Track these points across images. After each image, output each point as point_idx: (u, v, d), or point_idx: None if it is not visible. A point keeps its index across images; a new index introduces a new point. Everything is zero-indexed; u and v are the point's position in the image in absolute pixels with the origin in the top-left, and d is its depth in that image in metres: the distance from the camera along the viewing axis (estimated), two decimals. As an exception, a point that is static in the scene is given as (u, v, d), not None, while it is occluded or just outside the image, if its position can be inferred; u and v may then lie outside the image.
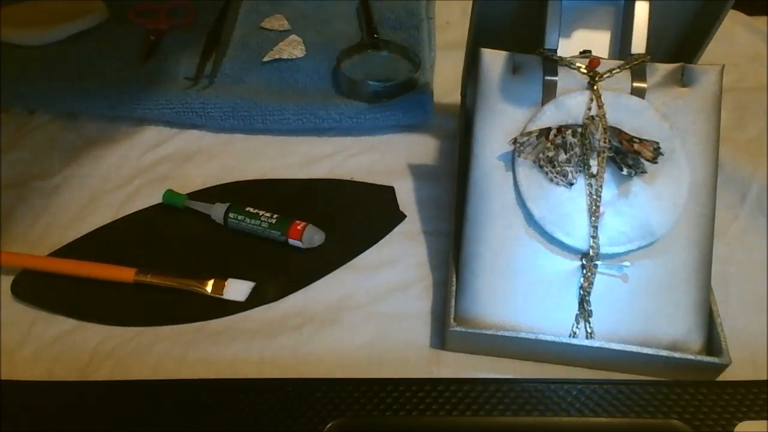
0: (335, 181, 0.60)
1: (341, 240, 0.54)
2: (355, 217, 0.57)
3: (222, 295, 0.50)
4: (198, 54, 0.70)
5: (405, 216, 0.57)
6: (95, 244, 0.55)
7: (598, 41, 0.50)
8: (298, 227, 0.52)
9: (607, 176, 0.45)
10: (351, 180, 0.60)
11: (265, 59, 0.70)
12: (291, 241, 0.53)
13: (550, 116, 0.46)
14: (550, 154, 0.45)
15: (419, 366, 0.47)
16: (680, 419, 0.41)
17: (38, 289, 0.51)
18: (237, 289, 0.50)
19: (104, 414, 0.42)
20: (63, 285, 0.51)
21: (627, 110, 0.46)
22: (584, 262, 0.45)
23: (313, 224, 0.53)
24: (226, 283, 0.50)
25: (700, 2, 0.50)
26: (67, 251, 0.54)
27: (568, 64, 0.47)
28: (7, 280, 0.51)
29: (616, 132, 0.45)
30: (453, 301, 0.47)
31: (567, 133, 0.45)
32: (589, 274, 0.45)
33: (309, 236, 0.53)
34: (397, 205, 0.58)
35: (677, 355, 0.43)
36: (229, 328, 0.49)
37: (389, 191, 0.59)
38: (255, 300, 0.50)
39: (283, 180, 0.60)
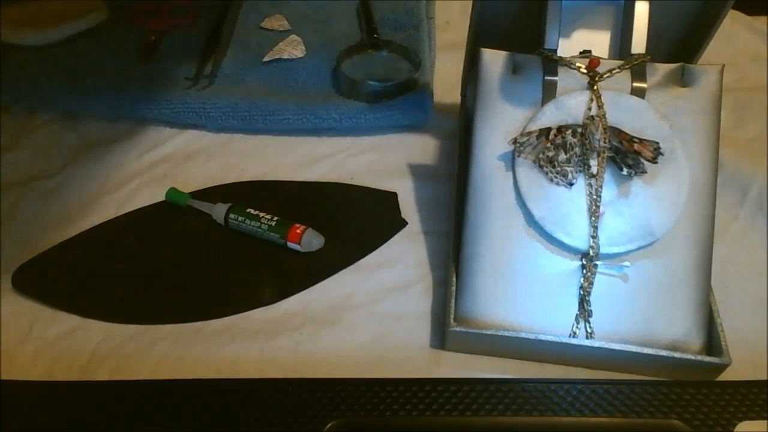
0: (338, 185, 0.60)
1: (341, 244, 0.54)
2: (356, 221, 0.57)
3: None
4: (198, 54, 0.70)
5: (406, 223, 0.56)
6: (97, 239, 0.55)
7: (598, 41, 0.50)
8: (297, 231, 0.52)
9: (607, 176, 0.45)
10: (354, 185, 0.60)
11: (265, 59, 0.70)
12: (290, 245, 0.53)
13: (550, 116, 0.46)
14: (550, 154, 0.45)
15: (419, 366, 0.47)
16: (680, 419, 0.41)
17: (40, 282, 0.51)
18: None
19: (104, 414, 0.42)
20: (65, 279, 0.52)
21: (627, 110, 0.46)
22: (584, 262, 0.45)
23: (314, 227, 0.53)
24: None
25: (700, 2, 0.50)
26: (69, 246, 0.54)
27: (568, 64, 0.47)
28: (7, 280, 0.51)
29: (616, 132, 0.45)
30: (453, 301, 0.47)
31: (567, 133, 0.45)
32: (589, 274, 0.45)
33: (308, 240, 0.53)
34: (399, 212, 0.57)
35: (677, 355, 0.43)
36: (229, 328, 0.49)
37: (392, 197, 0.59)
38: (253, 301, 0.50)
39: (287, 182, 0.60)
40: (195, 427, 0.42)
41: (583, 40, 0.50)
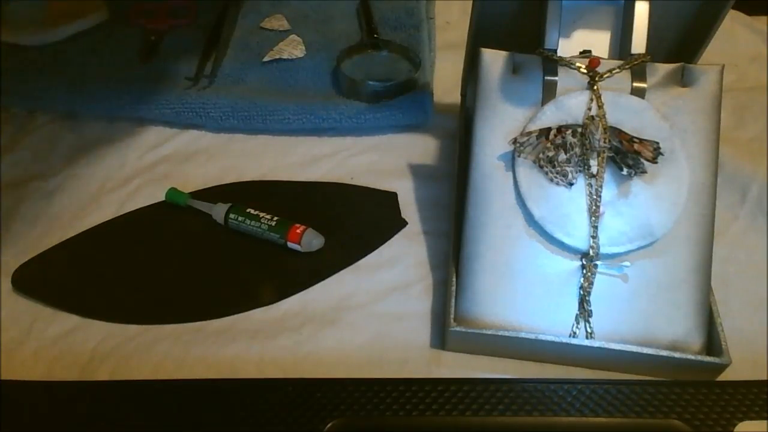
0: (338, 185, 0.60)
1: (341, 244, 0.54)
2: (356, 221, 0.57)
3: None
4: (198, 54, 0.70)
5: (406, 223, 0.56)
6: (97, 239, 0.55)
7: (598, 41, 0.50)
8: (297, 231, 0.52)
9: (607, 176, 0.45)
10: (354, 185, 0.60)
11: (265, 59, 0.70)
12: (290, 245, 0.53)
13: (550, 116, 0.46)
14: (550, 154, 0.45)
15: (419, 366, 0.47)
16: (680, 419, 0.41)
17: (40, 282, 0.51)
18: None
19: (104, 414, 0.42)
20: (65, 279, 0.52)
21: (627, 110, 0.46)
22: (584, 262, 0.45)
23: (314, 227, 0.53)
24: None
25: (700, 2, 0.50)
26: (69, 246, 0.54)
27: (568, 64, 0.47)
28: (7, 282, 0.51)
29: (616, 132, 0.45)
30: (453, 301, 0.47)
31: (567, 133, 0.45)
32: (589, 274, 0.45)
33: (308, 240, 0.52)
34: (399, 212, 0.57)
35: (677, 355, 0.43)
36: (229, 328, 0.49)
37: (392, 197, 0.59)
38: (253, 301, 0.50)
39: (287, 182, 0.60)
40: (195, 427, 0.42)
41: (583, 40, 0.50)
